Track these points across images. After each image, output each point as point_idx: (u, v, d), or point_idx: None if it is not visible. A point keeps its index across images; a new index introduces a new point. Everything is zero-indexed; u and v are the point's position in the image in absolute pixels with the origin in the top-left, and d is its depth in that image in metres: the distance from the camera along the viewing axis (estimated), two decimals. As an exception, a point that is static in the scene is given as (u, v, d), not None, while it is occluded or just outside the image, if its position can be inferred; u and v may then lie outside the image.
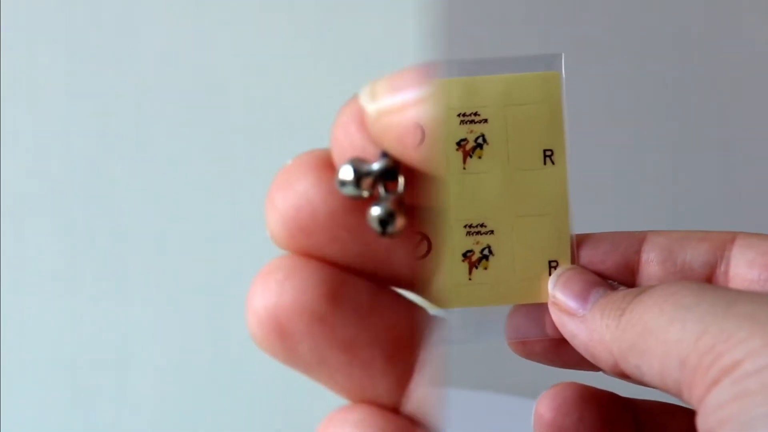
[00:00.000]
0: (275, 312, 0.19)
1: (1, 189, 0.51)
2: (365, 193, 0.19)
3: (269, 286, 0.19)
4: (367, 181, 0.19)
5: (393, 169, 0.19)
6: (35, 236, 0.52)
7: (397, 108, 0.18)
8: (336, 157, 0.20)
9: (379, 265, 0.20)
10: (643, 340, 0.20)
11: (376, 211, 0.19)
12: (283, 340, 0.19)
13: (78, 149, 0.52)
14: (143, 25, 0.51)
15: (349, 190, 0.19)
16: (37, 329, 0.53)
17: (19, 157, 0.52)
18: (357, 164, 0.19)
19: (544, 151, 0.22)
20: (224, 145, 0.51)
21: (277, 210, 0.19)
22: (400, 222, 0.19)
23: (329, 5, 0.51)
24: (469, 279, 0.22)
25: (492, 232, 0.22)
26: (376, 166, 0.19)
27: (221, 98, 0.51)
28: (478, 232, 0.22)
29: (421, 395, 0.20)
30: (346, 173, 0.19)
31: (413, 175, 0.19)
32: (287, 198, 0.19)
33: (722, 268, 0.22)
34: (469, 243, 0.22)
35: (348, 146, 0.19)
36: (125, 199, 0.52)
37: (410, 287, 0.21)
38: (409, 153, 0.18)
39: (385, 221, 0.19)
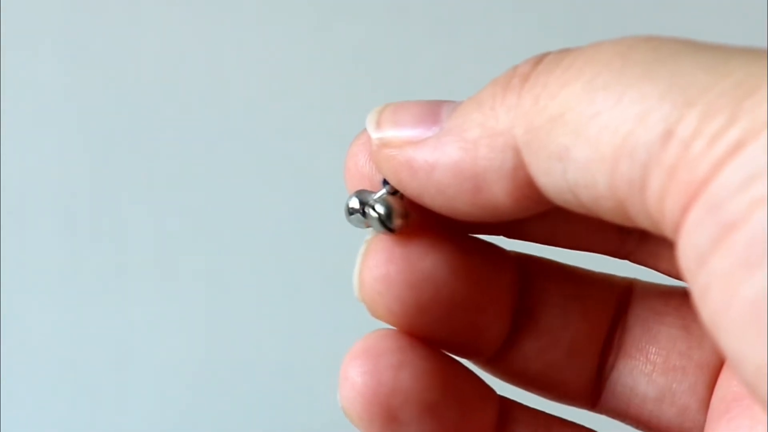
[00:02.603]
0: (388, 398, 0.19)
1: (0, 189, 0.52)
2: (366, 221, 0.20)
3: (381, 370, 0.19)
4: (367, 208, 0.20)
5: (393, 193, 0.19)
6: (35, 236, 0.52)
7: (397, 143, 0.18)
8: (347, 182, 0.20)
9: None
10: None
11: (378, 207, 0.19)
12: (389, 424, 0.19)
13: (78, 149, 0.52)
14: (144, 26, 0.51)
15: (356, 221, 0.19)
16: (37, 329, 0.53)
17: (19, 157, 0.52)
18: (361, 195, 0.19)
19: None
20: (226, 145, 0.52)
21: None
22: (400, 217, 0.19)
23: (330, 6, 0.51)
24: None
25: None
26: (376, 195, 0.19)
27: (223, 99, 0.51)
28: None
29: None
30: (352, 204, 0.20)
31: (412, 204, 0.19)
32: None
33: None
34: None
35: (357, 176, 0.20)
36: (126, 200, 0.52)
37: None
38: (403, 187, 0.19)
39: (386, 216, 0.19)
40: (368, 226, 0.19)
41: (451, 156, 0.17)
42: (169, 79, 0.51)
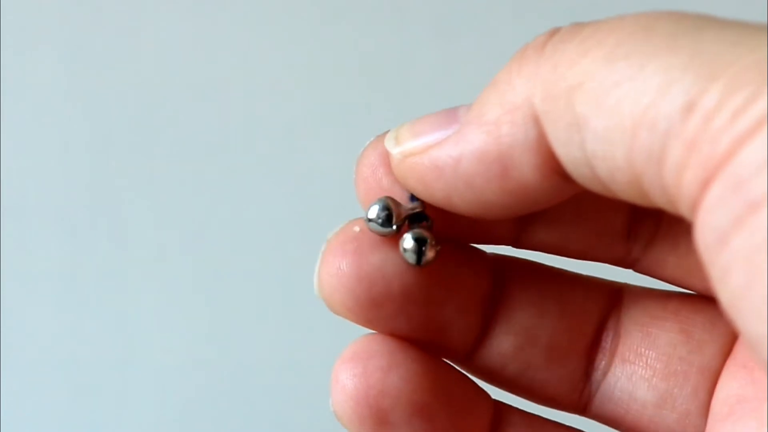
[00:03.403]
0: (378, 400, 0.19)
1: (1, 189, 0.51)
2: (394, 229, 0.19)
3: (370, 372, 0.19)
4: (396, 219, 0.19)
5: (422, 212, 0.19)
6: (35, 236, 0.52)
7: (420, 149, 0.18)
8: (362, 195, 0.20)
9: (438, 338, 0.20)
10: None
11: (409, 239, 0.19)
12: (380, 426, 0.19)
13: (78, 149, 0.52)
14: (145, 27, 0.51)
15: (377, 227, 0.19)
16: (38, 329, 0.53)
17: (19, 157, 0.52)
18: (388, 203, 0.19)
19: None
20: (227, 146, 0.52)
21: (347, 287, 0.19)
22: (432, 251, 0.19)
23: (331, 7, 0.51)
24: None
25: None
26: (406, 208, 0.19)
27: (223, 100, 0.51)
28: None
29: None
30: (373, 212, 0.19)
31: (440, 214, 0.19)
32: (360, 267, 0.19)
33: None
34: None
35: (377, 187, 0.20)
36: (126, 200, 0.52)
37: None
38: (431, 193, 0.18)
39: (419, 247, 0.19)
40: (384, 235, 0.19)
41: (474, 143, 0.17)
42: (169, 80, 0.51)
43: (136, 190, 0.52)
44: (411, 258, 0.19)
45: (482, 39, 0.50)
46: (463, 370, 0.21)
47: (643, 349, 0.20)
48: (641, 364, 0.20)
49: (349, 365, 0.19)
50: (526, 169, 0.17)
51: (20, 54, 0.51)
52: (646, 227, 0.20)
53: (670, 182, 0.14)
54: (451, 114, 0.18)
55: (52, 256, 0.52)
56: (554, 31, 0.17)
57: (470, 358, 0.21)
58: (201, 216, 0.52)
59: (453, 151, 0.18)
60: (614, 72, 0.15)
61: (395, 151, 0.19)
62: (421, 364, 0.19)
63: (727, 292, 0.14)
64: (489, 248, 0.21)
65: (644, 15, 0.16)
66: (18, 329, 0.52)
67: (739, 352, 0.20)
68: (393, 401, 0.19)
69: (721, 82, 0.14)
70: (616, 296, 0.21)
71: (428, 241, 0.19)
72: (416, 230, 0.19)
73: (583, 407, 0.21)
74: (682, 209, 0.14)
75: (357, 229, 0.19)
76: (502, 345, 0.20)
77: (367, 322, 0.19)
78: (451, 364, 0.20)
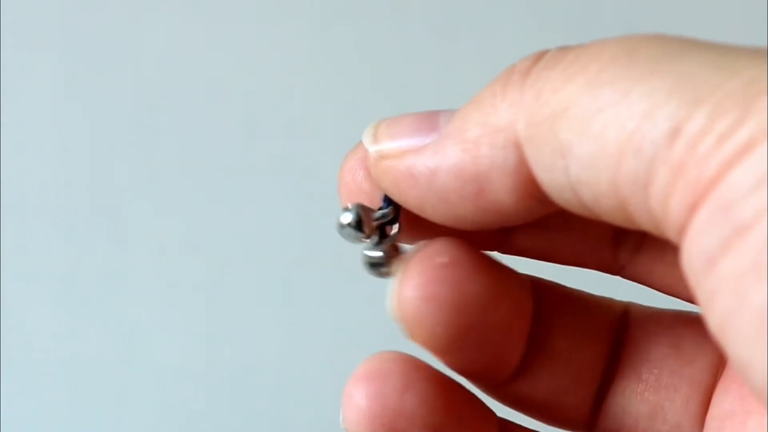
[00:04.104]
0: (393, 421, 0.19)
1: (1, 189, 0.51)
2: (364, 237, 0.19)
3: (387, 393, 0.19)
4: (367, 226, 0.19)
5: (394, 215, 0.19)
6: (36, 236, 0.52)
7: (396, 153, 0.18)
8: (342, 197, 0.20)
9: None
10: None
11: (371, 254, 0.19)
12: None
13: (78, 149, 0.52)
14: (145, 27, 0.51)
15: (348, 234, 0.19)
16: (38, 329, 0.53)
17: (19, 157, 0.52)
18: (359, 210, 0.19)
19: None
20: (227, 146, 0.52)
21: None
22: (393, 265, 0.19)
23: (331, 7, 0.51)
24: None
25: None
26: (377, 213, 0.19)
27: (223, 101, 0.51)
28: None
29: None
30: (347, 218, 0.19)
31: (412, 217, 0.19)
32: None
33: None
34: None
35: (357, 191, 0.19)
36: (127, 200, 0.52)
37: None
38: (404, 199, 0.18)
39: (377, 265, 0.19)
40: (361, 241, 0.19)
41: (452, 158, 0.17)
42: (169, 81, 0.51)
43: (136, 190, 0.52)
44: (374, 273, 0.19)
45: (482, 39, 0.50)
46: (494, 397, 0.21)
47: (636, 364, 0.20)
48: (634, 378, 0.20)
49: (364, 384, 0.19)
50: (502, 192, 0.17)
51: (20, 54, 0.51)
52: (633, 234, 0.20)
53: (657, 207, 0.14)
54: (431, 119, 0.18)
55: (52, 256, 0.52)
56: (539, 56, 0.17)
57: (508, 385, 0.21)
58: (201, 216, 0.52)
59: (430, 162, 0.17)
60: (598, 98, 0.15)
61: (372, 149, 0.19)
62: (436, 385, 0.19)
63: (714, 316, 0.14)
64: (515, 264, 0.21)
65: (627, 39, 0.16)
66: (18, 329, 0.52)
67: (730, 367, 0.20)
68: (408, 422, 0.19)
69: (706, 107, 0.14)
70: (624, 315, 0.21)
71: (385, 256, 0.19)
72: (379, 247, 0.19)
73: (590, 426, 0.21)
74: (669, 233, 0.14)
75: (442, 260, 0.19)
76: (539, 372, 0.20)
77: (444, 352, 0.19)
78: (460, 382, 0.20)
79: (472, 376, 0.20)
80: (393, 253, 0.20)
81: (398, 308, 0.19)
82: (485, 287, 0.19)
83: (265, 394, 0.53)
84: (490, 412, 0.21)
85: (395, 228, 0.19)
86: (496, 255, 0.20)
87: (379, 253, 0.19)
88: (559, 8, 0.50)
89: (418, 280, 0.18)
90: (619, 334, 0.21)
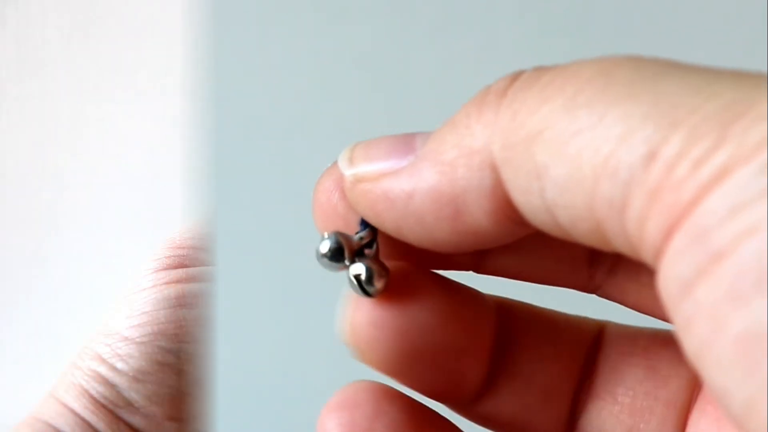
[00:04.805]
0: None
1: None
2: (346, 264, 0.19)
3: (357, 421, 0.19)
4: (347, 255, 0.19)
5: (371, 239, 0.19)
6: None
7: (372, 176, 0.18)
8: (319, 222, 0.20)
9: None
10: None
11: (356, 272, 0.19)
12: None
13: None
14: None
15: (327, 264, 0.19)
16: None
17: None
18: (339, 239, 0.19)
19: None
20: (227, 147, 0.52)
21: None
22: (380, 282, 0.19)
23: (331, 7, 0.51)
24: None
25: None
26: (355, 238, 0.19)
27: (224, 101, 0.51)
28: None
29: None
30: (325, 247, 0.19)
31: (388, 240, 0.19)
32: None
33: None
34: None
35: (333, 213, 0.19)
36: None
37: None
38: (381, 221, 0.18)
39: (368, 280, 0.19)
40: (341, 270, 0.19)
41: (428, 181, 0.17)
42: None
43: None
44: (360, 291, 0.19)
45: (482, 39, 0.50)
46: (459, 413, 0.21)
47: (611, 386, 0.20)
48: (609, 399, 0.20)
49: (336, 414, 0.19)
50: (479, 214, 0.17)
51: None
52: (609, 255, 0.20)
53: (633, 231, 0.14)
54: (408, 141, 0.18)
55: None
56: (515, 77, 0.17)
57: (471, 403, 0.21)
58: (200, 216, 0.52)
59: (406, 185, 0.17)
60: (575, 120, 0.15)
61: (348, 172, 0.19)
62: (406, 412, 0.19)
63: (691, 342, 0.14)
64: (477, 285, 0.21)
65: (604, 60, 0.15)
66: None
67: (706, 389, 0.20)
68: None
69: (682, 131, 0.13)
70: (598, 334, 0.21)
71: (374, 273, 0.19)
72: (363, 263, 0.19)
73: None
74: (645, 257, 0.14)
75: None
76: (503, 390, 0.20)
77: (397, 374, 0.19)
78: (430, 407, 0.20)
79: (434, 396, 0.20)
80: (377, 270, 0.19)
81: (350, 333, 0.19)
82: (435, 311, 0.19)
83: (264, 394, 0.53)
84: None
85: (372, 251, 0.19)
86: (455, 275, 0.20)
87: (360, 270, 0.19)
88: (559, 8, 0.50)
89: (364, 305, 0.19)
90: (591, 354, 0.21)
